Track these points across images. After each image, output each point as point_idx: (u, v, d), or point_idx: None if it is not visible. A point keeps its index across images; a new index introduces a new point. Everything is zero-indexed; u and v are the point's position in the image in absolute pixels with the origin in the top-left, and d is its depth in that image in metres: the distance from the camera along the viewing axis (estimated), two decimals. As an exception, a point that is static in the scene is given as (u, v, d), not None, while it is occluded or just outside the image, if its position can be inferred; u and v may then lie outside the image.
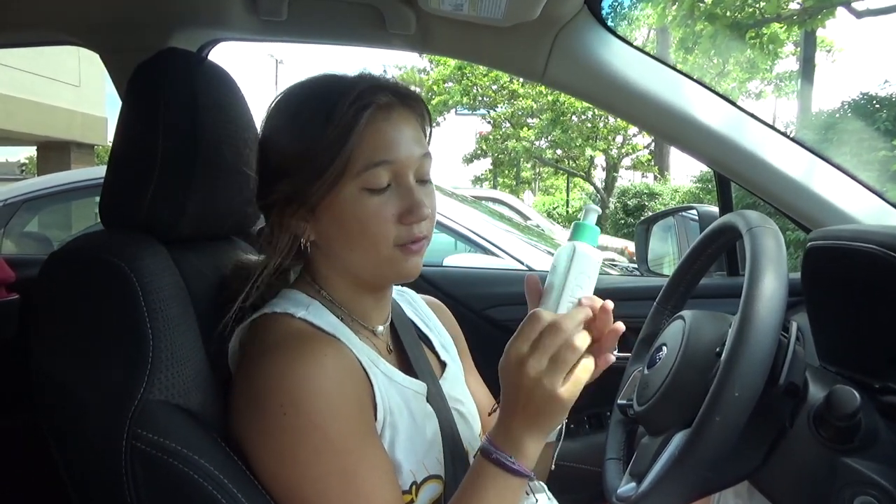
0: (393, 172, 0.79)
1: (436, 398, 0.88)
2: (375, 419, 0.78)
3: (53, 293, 0.72)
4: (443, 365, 0.96)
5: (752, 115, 1.20)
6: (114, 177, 0.84)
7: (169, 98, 0.83)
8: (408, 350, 0.91)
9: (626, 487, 0.87)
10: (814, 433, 0.77)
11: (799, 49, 11.86)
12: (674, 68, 1.17)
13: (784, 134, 1.19)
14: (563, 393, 0.72)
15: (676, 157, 17.58)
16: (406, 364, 0.89)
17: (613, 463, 0.97)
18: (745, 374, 0.68)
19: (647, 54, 1.15)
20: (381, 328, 0.88)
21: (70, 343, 0.70)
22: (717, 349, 0.80)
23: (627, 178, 17.79)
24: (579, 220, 0.82)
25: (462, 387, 0.97)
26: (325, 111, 0.77)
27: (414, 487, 0.79)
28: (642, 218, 1.70)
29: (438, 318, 1.03)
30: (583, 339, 0.74)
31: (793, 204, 1.17)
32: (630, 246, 8.03)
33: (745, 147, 1.17)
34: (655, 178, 14.87)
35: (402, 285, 1.02)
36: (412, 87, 0.85)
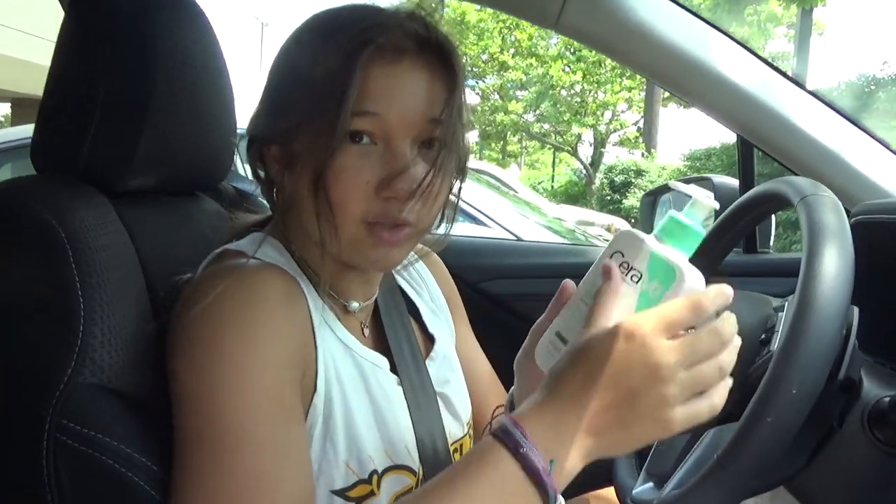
0: (381, 130, 0.64)
1: (414, 382, 0.76)
2: (315, 390, 0.65)
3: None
4: (431, 340, 0.84)
5: (786, 75, 1.08)
6: (48, 114, 0.70)
7: (116, 15, 0.69)
8: (388, 332, 0.78)
9: (645, 487, 0.77)
10: (868, 434, 0.68)
11: (793, 31, 11.76)
12: (703, 19, 1.04)
13: (821, 99, 1.08)
14: (677, 417, 0.53)
15: (664, 134, 17.55)
16: (383, 346, 0.77)
17: (624, 459, 0.87)
18: (805, 368, 0.57)
19: (674, 1, 1.02)
20: (355, 304, 0.74)
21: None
22: (763, 336, 0.70)
23: (614, 155, 17.72)
24: (679, 218, 0.59)
25: (451, 361, 0.85)
26: (320, 42, 0.65)
27: (375, 477, 0.68)
28: (648, 189, 1.59)
29: (431, 273, 0.90)
30: (732, 356, 0.56)
31: (828, 177, 1.06)
32: (616, 222, 7.99)
33: (778, 112, 1.06)
34: (643, 155, 14.78)
35: None
36: (448, 35, 0.67)
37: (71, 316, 0.55)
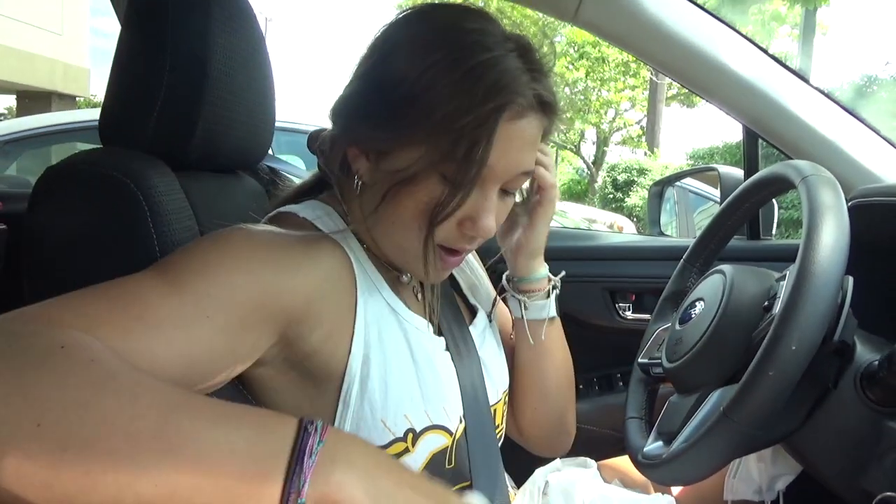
0: (482, 176, 0.67)
1: (458, 342, 0.81)
2: (350, 352, 0.68)
3: (51, 210, 0.65)
4: (472, 311, 0.90)
5: (790, 69, 1.14)
6: (115, 94, 0.77)
7: (179, 11, 0.76)
8: (434, 299, 0.83)
9: (655, 445, 0.83)
10: (860, 394, 0.73)
11: (797, 31, 11.80)
12: (712, 14, 1.10)
13: (821, 90, 1.14)
14: None
15: (667, 133, 17.52)
16: (432, 312, 0.82)
17: (635, 422, 0.93)
18: (803, 326, 0.63)
19: (688, -2, 1.09)
20: (405, 277, 0.79)
21: (69, 266, 0.63)
22: (765, 303, 0.76)
23: (617, 154, 17.77)
24: None
25: (491, 330, 0.91)
26: (449, 76, 0.64)
27: (410, 435, 0.71)
28: (657, 180, 1.65)
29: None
30: None
31: (828, 165, 1.12)
32: (618, 220, 8.04)
33: (781, 103, 1.12)
34: (645, 153, 14.82)
35: None
36: (554, 88, 0.71)
37: (149, 262, 0.61)
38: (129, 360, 0.49)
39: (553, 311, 0.91)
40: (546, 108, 0.70)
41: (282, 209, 0.76)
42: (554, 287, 0.91)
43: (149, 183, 0.65)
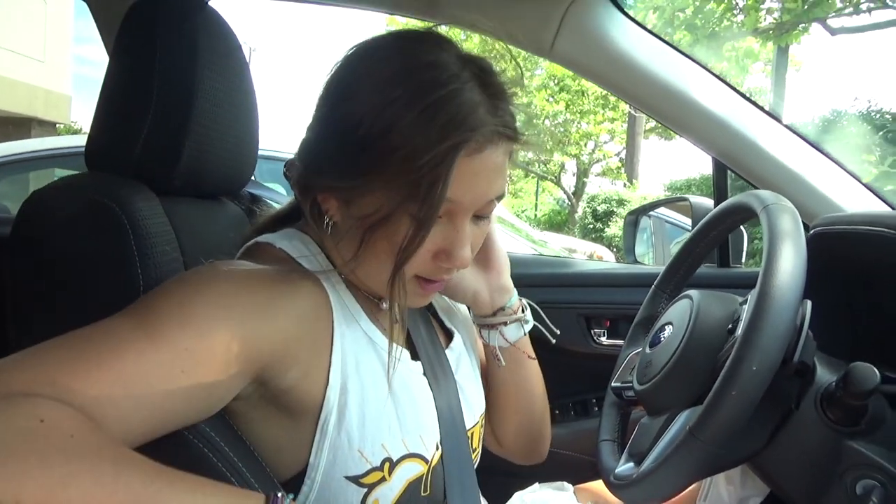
0: (450, 211, 0.68)
1: (434, 366, 0.82)
2: (328, 383, 0.69)
3: (36, 233, 0.67)
4: (448, 334, 0.92)
5: (756, 104, 1.19)
6: (103, 120, 0.79)
7: (167, 41, 0.78)
8: (410, 324, 0.83)
9: (626, 467, 0.85)
10: (820, 415, 0.75)
11: (769, 67, 12.14)
12: (682, 52, 1.15)
13: (785, 124, 1.19)
14: None
15: (645, 165, 17.79)
16: (407, 337, 0.83)
17: (608, 444, 0.95)
18: (763, 348, 0.66)
19: (657, 36, 1.14)
20: (385, 304, 0.79)
21: (54, 288, 0.64)
22: (729, 326, 0.79)
23: (597, 185, 17.99)
24: None
25: (467, 355, 0.91)
26: (407, 113, 0.63)
27: (387, 464, 0.71)
28: (631, 209, 1.70)
29: None
30: None
31: (791, 195, 1.17)
32: (598, 250, 8.13)
33: (747, 136, 1.17)
34: (624, 185, 15.04)
35: None
36: (516, 110, 0.71)
37: (132, 287, 0.63)
38: (107, 419, 0.52)
39: (523, 331, 0.91)
40: (508, 133, 0.69)
41: (259, 239, 0.76)
42: (523, 309, 0.91)
43: (133, 208, 0.67)
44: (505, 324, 0.89)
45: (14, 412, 0.48)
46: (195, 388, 0.58)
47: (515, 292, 0.91)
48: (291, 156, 0.76)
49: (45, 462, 0.45)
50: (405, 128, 0.63)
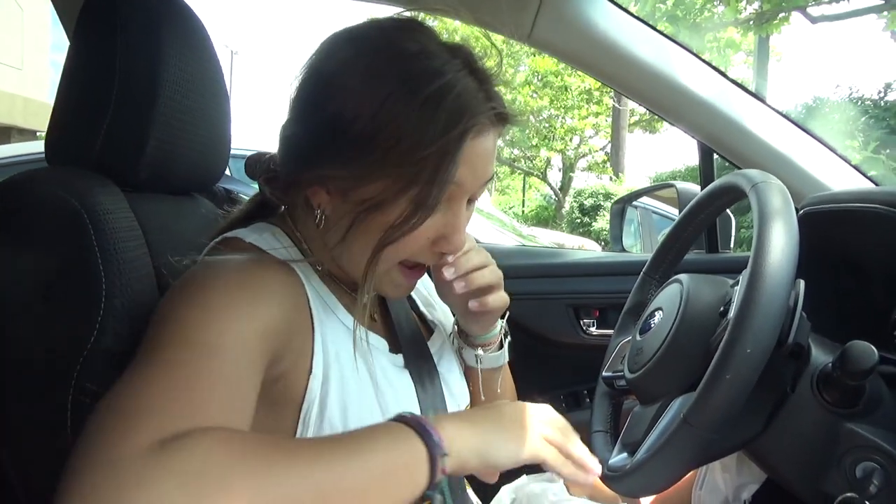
0: (451, 194, 0.69)
1: (417, 359, 0.81)
2: (311, 371, 0.68)
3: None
4: (429, 327, 0.90)
5: (741, 86, 1.17)
6: (62, 111, 0.75)
7: (129, 26, 0.75)
8: (392, 316, 0.83)
9: (619, 457, 0.83)
10: (817, 397, 0.74)
11: (751, 58, 12.21)
12: (665, 35, 1.13)
13: (771, 106, 1.17)
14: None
15: (631, 159, 17.89)
16: (388, 329, 0.82)
17: (601, 435, 0.93)
18: (757, 329, 0.64)
19: (639, 19, 1.11)
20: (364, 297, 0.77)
21: (9, 288, 0.61)
22: (721, 309, 0.76)
23: (583, 179, 18.04)
24: None
25: (448, 348, 0.90)
26: (408, 104, 0.63)
27: None
28: (617, 197, 1.68)
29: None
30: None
31: (779, 176, 1.15)
32: (586, 244, 8.15)
33: (732, 117, 1.15)
34: (611, 178, 15.07)
35: None
36: (503, 94, 0.72)
37: (93, 287, 0.59)
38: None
39: (506, 357, 0.92)
40: (502, 118, 0.71)
41: (227, 234, 0.74)
42: (506, 335, 0.91)
43: (94, 201, 0.63)
44: (490, 345, 0.90)
45: (192, 445, 0.45)
46: (252, 377, 0.58)
47: (501, 323, 0.91)
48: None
49: (260, 474, 0.47)
50: (407, 120, 0.63)
